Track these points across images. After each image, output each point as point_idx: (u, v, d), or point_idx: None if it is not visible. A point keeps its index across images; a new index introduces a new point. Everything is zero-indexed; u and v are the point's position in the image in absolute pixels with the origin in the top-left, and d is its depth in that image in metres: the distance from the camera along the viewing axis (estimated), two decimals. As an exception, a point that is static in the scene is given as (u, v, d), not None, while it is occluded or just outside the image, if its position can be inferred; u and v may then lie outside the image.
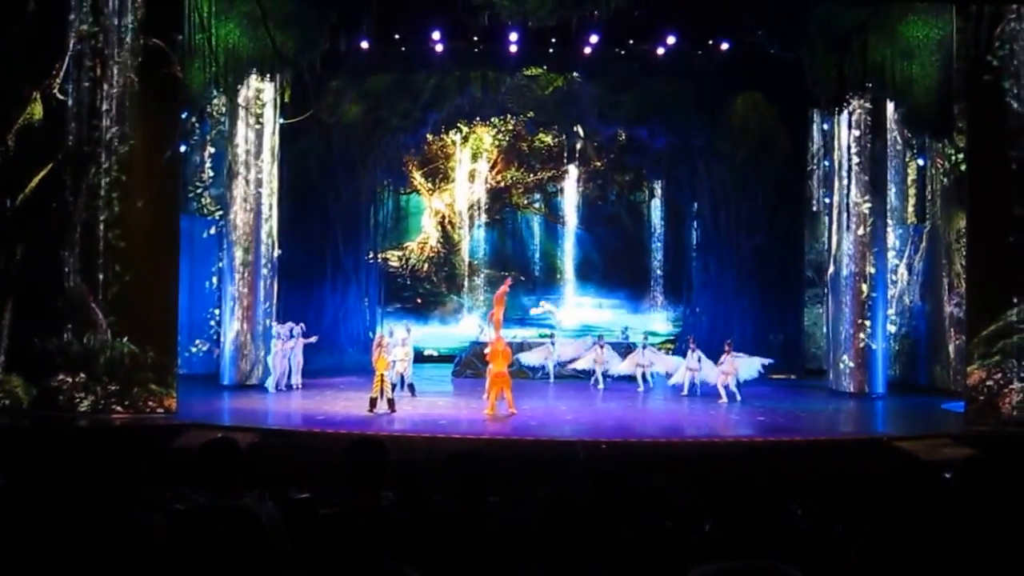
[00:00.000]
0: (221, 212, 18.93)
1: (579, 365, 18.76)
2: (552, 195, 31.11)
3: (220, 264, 18.44)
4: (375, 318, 25.15)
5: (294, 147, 21.12)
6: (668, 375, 17.71)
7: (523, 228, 31.39)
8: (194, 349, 18.74)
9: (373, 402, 13.89)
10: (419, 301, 28.80)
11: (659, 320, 28.29)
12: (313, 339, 17.25)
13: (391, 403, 13.73)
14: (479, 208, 30.22)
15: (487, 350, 15.31)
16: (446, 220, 30.36)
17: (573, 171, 30.06)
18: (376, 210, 26.90)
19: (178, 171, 13.62)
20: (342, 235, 24.48)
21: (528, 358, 18.39)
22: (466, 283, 29.75)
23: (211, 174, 19.68)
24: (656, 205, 29.26)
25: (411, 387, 15.94)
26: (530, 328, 27.16)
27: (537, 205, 31.59)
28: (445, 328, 28.17)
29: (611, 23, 15.93)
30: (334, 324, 23.40)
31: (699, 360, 16.52)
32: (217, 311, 18.67)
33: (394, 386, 15.11)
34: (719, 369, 15.95)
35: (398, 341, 16.23)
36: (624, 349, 19.31)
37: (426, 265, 29.49)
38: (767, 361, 16.44)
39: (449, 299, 29.77)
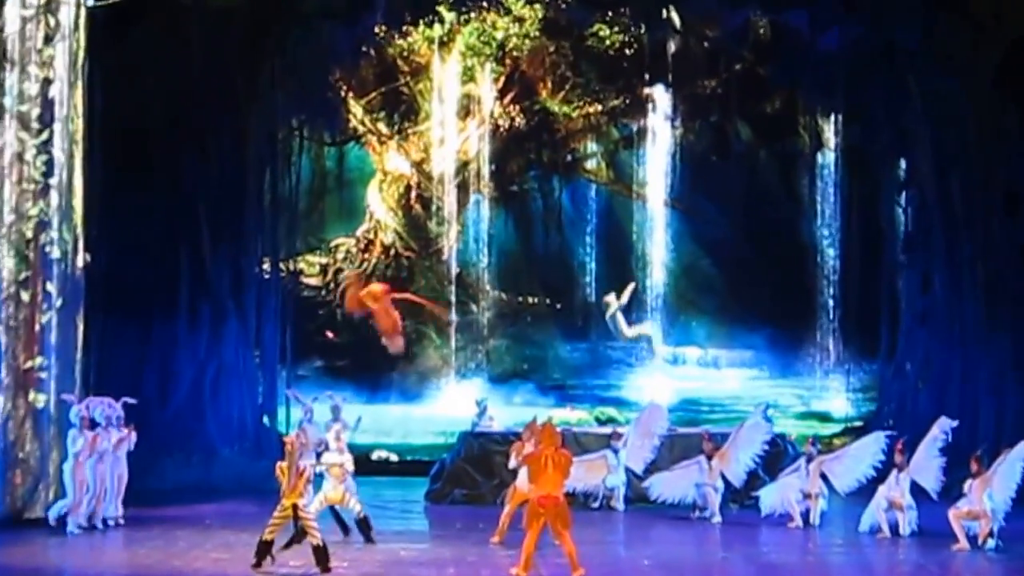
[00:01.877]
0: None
1: (671, 491, 18.68)
2: (621, 143, 31.59)
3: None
4: (274, 387, 24.95)
5: (118, 54, 20.96)
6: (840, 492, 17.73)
7: (564, 209, 31.91)
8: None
9: (263, 551, 13.65)
10: (359, 354, 29.10)
11: (832, 391, 28.55)
12: (131, 439, 17.34)
13: (320, 557, 13.50)
14: (478, 172, 30.48)
15: (514, 458, 16.24)
16: (414, 195, 30.78)
17: (662, 97, 30.07)
18: (277, 177, 26.25)
19: None
20: (210, 226, 24.19)
21: (579, 478, 18.25)
22: (453, 315, 29.97)
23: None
24: (825, 163, 29.45)
25: (362, 524, 15.78)
26: (581, 407, 27.68)
27: (592, 165, 32.26)
28: (411, 407, 28.31)
29: None
30: (193, 398, 23.52)
31: (908, 488, 16.31)
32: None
33: (341, 523, 16.02)
34: (960, 505, 15.82)
35: (326, 441, 15.95)
36: (767, 454, 18.81)
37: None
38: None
39: (420, 348, 29.99)
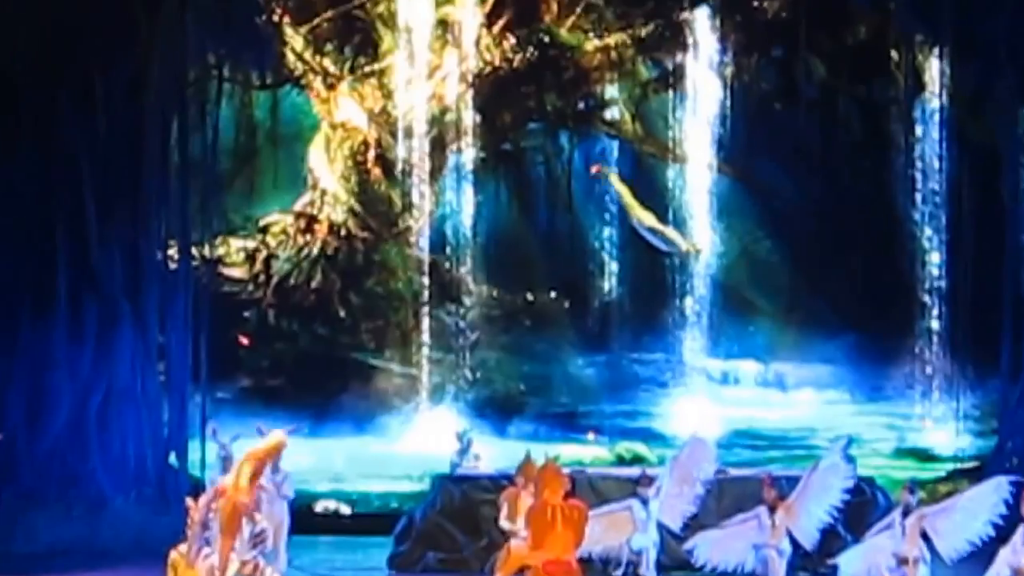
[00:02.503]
0: None
1: (720, 555, 19.12)
2: (652, 87, 32.21)
3: None
4: (184, 415, 24.98)
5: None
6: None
7: (576, 175, 32.76)
8: None
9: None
10: (298, 370, 29.42)
11: (936, 421, 29.01)
12: None
13: None
14: (459, 126, 30.99)
15: (506, 512, 16.56)
16: (372, 156, 31.35)
17: (707, 24, 30.70)
18: (187, 133, 26.29)
19: None
20: (96, 199, 24.13)
21: (596, 538, 18.26)
22: (424, 320, 30.55)
23: None
24: (927, 114, 29.86)
25: None
26: (599, 442, 28.03)
27: (614, 115, 32.78)
28: (369, 442, 28.74)
29: None
30: (75, 431, 23.70)
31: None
32: None
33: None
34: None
35: (255, 497, 15.99)
36: (848, 506, 19.03)
37: (318, 273, 30.21)
38: None
39: (381, 361, 30.63)
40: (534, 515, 13.52)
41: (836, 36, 30.46)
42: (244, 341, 27.09)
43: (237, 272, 30.53)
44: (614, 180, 30.42)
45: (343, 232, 30.97)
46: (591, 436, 26.90)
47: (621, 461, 25.78)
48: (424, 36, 30.52)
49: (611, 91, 32.40)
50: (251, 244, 31.07)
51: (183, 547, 13.71)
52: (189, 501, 14.12)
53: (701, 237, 31.49)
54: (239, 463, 14.21)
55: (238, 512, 13.65)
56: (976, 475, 23.46)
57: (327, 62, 30.99)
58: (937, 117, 29.98)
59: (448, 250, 31.34)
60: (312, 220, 31.12)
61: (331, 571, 20.34)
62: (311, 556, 20.68)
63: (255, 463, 14.33)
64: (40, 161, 23.85)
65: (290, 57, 30.56)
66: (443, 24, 30.54)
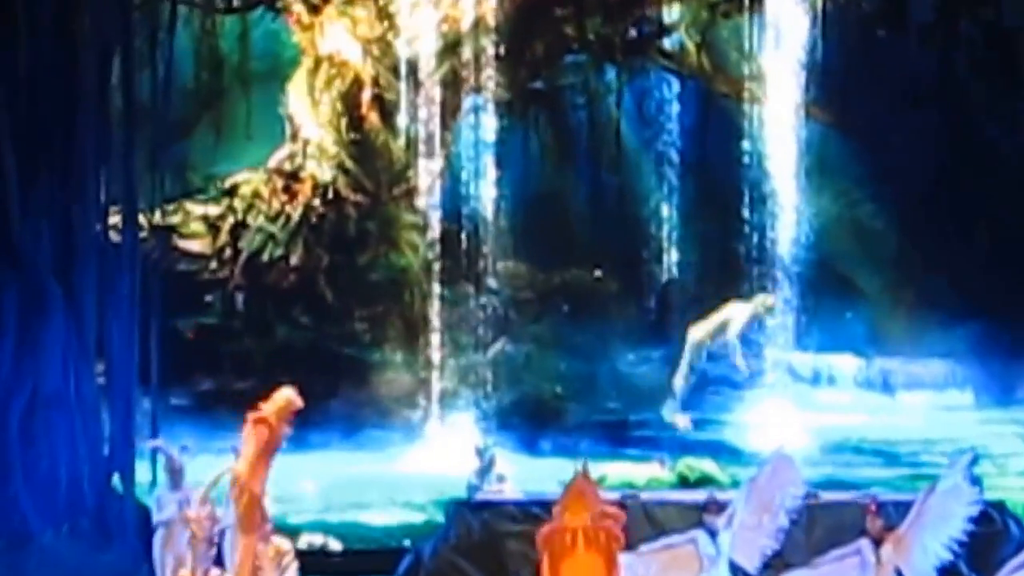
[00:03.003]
0: None
1: None
2: (722, 8, 32.39)
3: None
4: (129, 427, 24.97)
5: None
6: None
7: (626, 119, 32.98)
8: None
9: None
10: (273, 370, 28.98)
11: None
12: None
13: None
14: (478, 59, 31.41)
15: None
16: (367, 98, 31.75)
17: None
18: (133, 70, 26.30)
19: None
20: (17, 153, 23.85)
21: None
22: (434, 306, 31.01)
23: None
24: None
25: None
26: (643, 458, 27.37)
27: (673, 45, 33.09)
28: (366, 460, 28.90)
29: None
30: None
31: None
32: None
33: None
34: None
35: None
36: (974, 537, 18.90)
37: (299, 246, 30.53)
38: None
39: (377, 361, 31.14)
40: (548, 539, 13.45)
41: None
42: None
43: (196, 245, 30.70)
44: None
45: (331, 194, 31.12)
46: (661, 463, 26.71)
47: (684, 483, 25.58)
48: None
49: (671, 14, 32.30)
50: (214, 210, 31.20)
51: (184, 572, 14.02)
52: (190, 512, 14.48)
53: (785, 198, 31.39)
54: (245, 439, 14.91)
55: (256, 502, 14.28)
56: None
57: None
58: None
59: (464, 217, 31.48)
60: (292, 179, 31.27)
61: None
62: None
63: (266, 435, 14.62)
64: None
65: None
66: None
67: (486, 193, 31.54)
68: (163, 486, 18.95)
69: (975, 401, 30.07)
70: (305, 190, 31.05)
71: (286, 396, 14.77)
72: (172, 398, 27.23)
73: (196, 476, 18.95)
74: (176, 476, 18.71)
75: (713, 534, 19.86)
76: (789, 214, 31.46)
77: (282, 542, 17.13)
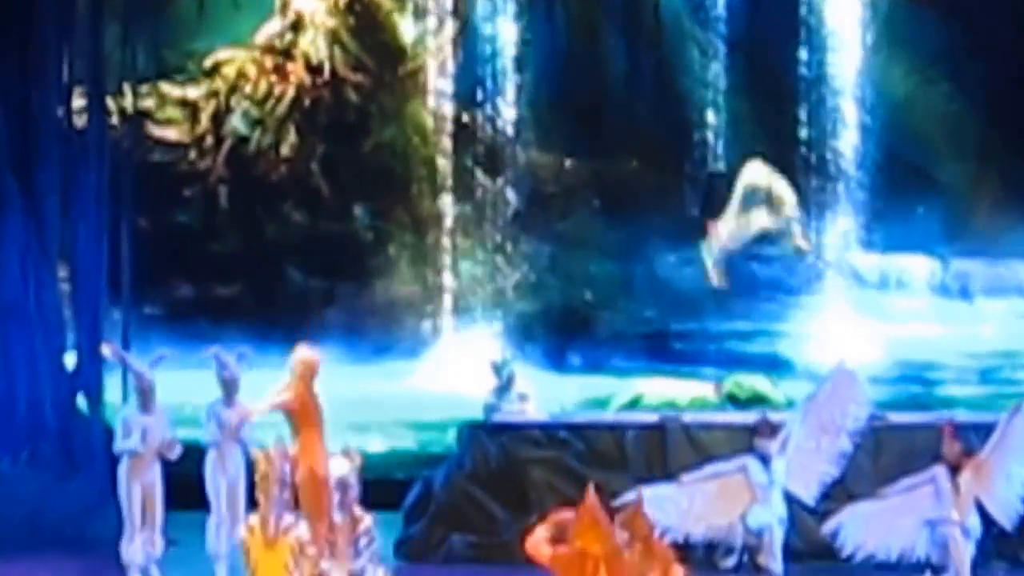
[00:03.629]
0: None
1: (877, 537, 19.46)
2: None
3: None
4: (97, 339, 24.74)
5: None
6: None
7: None
8: None
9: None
10: (263, 272, 29.90)
11: None
12: None
13: None
14: None
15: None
16: None
17: None
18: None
19: None
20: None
21: (699, 514, 18.31)
22: (446, 201, 31.44)
23: None
24: None
25: None
26: (685, 373, 27.70)
27: None
28: (366, 376, 28.84)
29: None
30: None
31: None
32: None
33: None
34: None
35: None
36: None
37: (291, 133, 30.79)
38: None
39: (380, 264, 31.57)
40: (560, 561, 13.23)
41: None
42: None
43: (174, 133, 30.79)
44: None
45: (327, 74, 31.15)
46: (716, 388, 26.68)
47: (733, 402, 25.63)
48: None
49: None
50: (194, 92, 31.29)
51: (254, 518, 14.04)
52: (256, 452, 14.42)
53: (847, 77, 31.25)
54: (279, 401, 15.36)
55: (320, 482, 14.77)
56: None
57: None
58: None
59: (481, 99, 31.47)
60: (283, 57, 31.29)
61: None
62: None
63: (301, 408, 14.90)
64: None
65: None
66: None
67: (505, 72, 31.59)
68: (129, 407, 18.96)
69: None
70: (297, 70, 31.20)
71: (303, 359, 15.22)
72: (145, 306, 27.35)
73: (175, 396, 18.88)
74: (231, 388, 18.94)
75: (765, 460, 19.83)
76: (852, 95, 31.29)
77: (363, 516, 17.16)
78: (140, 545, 18.50)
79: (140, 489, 18.38)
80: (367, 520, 16.04)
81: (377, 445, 26.62)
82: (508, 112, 31.49)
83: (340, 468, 16.90)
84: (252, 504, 15.53)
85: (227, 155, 30.06)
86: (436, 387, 27.73)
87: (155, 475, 18.80)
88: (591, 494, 14.51)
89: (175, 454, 18.30)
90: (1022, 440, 19.12)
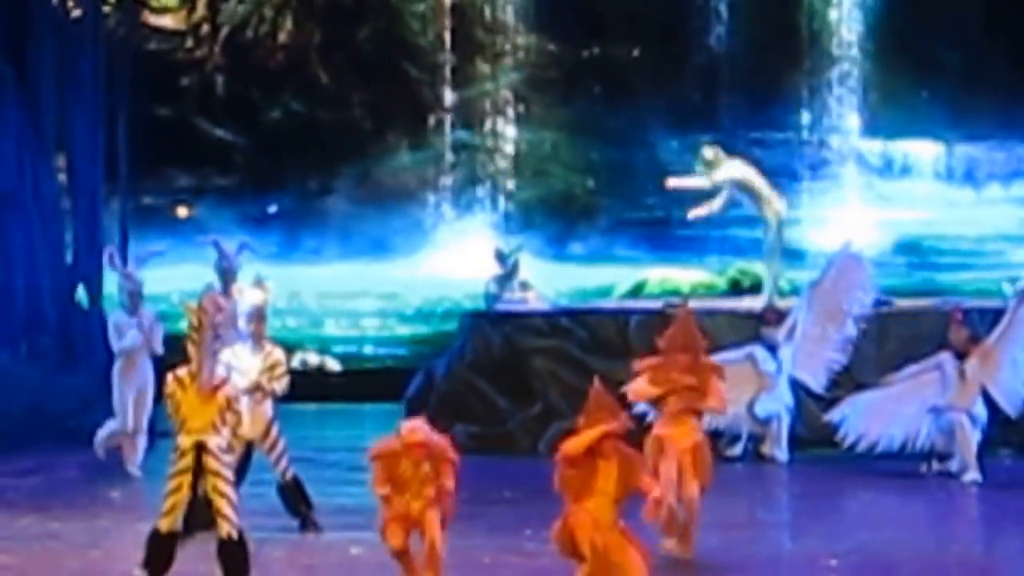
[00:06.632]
0: None
1: (881, 425, 19.76)
2: None
3: None
4: (96, 230, 24.92)
5: None
6: None
7: None
8: None
9: (159, 552, 14.08)
10: (263, 159, 29.98)
11: None
12: None
13: (232, 560, 13.95)
14: None
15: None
16: None
17: None
18: None
19: None
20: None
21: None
22: (445, 87, 31.30)
23: None
24: None
25: (290, 494, 16.96)
26: (689, 261, 27.90)
27: None
28: (366, 264, 29.09)
29: None
30: None
31: None
32: None
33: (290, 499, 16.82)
34: None
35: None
36: None
37: (288, 20, 30.52)
38: None
39: (379, 152, 31.49)
40: (568, 459, 13.12)
41: None
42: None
43: (169, 20, 30.63)
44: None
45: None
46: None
47: (736, 289, 25.67)
48: None
49: None
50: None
51: (182, 371, 13.94)
52: (187, 304, 14.33)
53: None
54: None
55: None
56: None
57: None
58: None
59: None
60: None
61: (312, 454, 20.27)
62: (291, 431, 20.54)
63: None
64: None
65: None
66: None
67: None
68: (118, 311, 19.04)
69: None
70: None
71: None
72: (144, 196, 27.24)
73: (171, 285, 18.86)
74: (229, 278, 18.76)
75: (771, 348, 19.94)
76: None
77: (275, 350, 17.25)
78: (135, 441, 18.77)
79: (134, 388, 18.72)
80: (277, 352, 16.35)
81: (378, 332, 26.76)
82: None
83: (254, 298, 17.02)
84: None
85: (224, 43, 29.93)
86: (437, 275, 27.90)
87: (148, 372, 19.06)
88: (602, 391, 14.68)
89: (160, 348, 18.70)
90: None
